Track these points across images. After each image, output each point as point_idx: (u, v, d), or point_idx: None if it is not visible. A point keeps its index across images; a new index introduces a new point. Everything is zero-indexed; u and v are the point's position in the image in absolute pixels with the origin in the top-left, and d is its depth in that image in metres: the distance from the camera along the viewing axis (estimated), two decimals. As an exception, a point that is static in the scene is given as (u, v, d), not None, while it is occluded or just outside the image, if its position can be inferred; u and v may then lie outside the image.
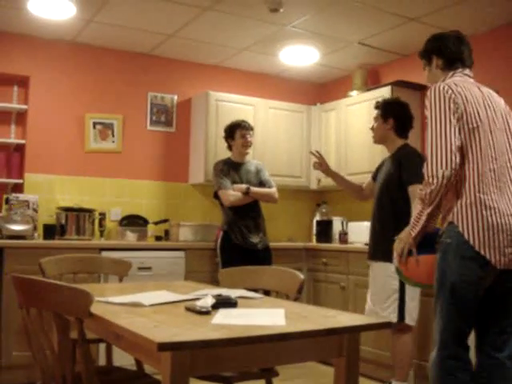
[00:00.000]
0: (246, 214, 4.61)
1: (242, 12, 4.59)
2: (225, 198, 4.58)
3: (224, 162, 4.76)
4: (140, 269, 4.61)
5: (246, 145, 4.70)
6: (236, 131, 4.68)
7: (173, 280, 4.13)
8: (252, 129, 4.77)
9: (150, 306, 2.20)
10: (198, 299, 2.25)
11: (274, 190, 4.75)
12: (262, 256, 4.55)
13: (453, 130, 2.59)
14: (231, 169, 4.68)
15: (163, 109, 5.70)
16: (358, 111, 5.51)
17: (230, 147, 4.78)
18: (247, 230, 4.58)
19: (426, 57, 2.95)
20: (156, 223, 5.31)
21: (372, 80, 5.82)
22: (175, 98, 5.75)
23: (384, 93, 5.17)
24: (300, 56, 5.54)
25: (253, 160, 4.94)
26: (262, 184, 4.73)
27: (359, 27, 4.86)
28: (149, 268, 4.69)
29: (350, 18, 4.67)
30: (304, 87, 6.48)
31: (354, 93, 5.68)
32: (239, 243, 4.55)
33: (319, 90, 6.55)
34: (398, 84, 5.16)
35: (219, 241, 4.64)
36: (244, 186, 4.59)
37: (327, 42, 5.21)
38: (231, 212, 4.61)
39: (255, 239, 4.60)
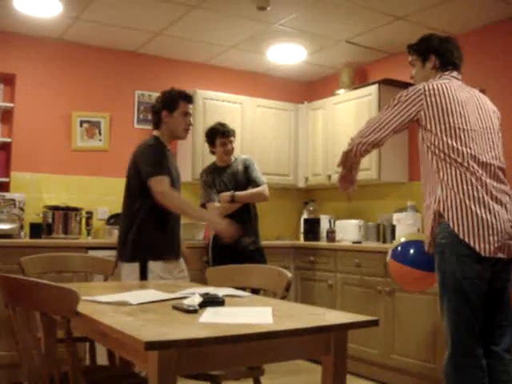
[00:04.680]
0: (238, 217, 4.43)
1: (229, 10, 4.58)
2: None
3: (208, 170, 4.69)
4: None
5: (227, 153, 4.61)
6: (216, 139, 4.59)
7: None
8: (232, 134, 4.62)
9: (137, 304, 2.19)
10: (185, 298, 2.25)
11: (262, 188, 4.59)
12: (252, 256, 4.42)
13: (399, 122, 2.81)
14: (216, 175, 4.61)
15: (150, 107, 5.67)
16: (345, 109, 5.53)
17: (212, 152, 4.71)
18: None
19: (423, 53, 3.00)
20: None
21: (359, 78, 5.83)
22: (162, 96, 5.72)
23: (371, 91, 5.20)
24: (287, 54, 5.55)
25: (240, 156, 4.79)
26: (250, 182, 4.61)
27: (346, 26, 4.87)
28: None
29: (337, 17, 4.68)
30: (291, 85, 6.48)
31: (341, 91, 5.70)
32: (230, 244, 4.46)
33: (307, 89, 6.56)
34: (385, 82, 5.18)
35: (210, 241, 4.58)
36: (228, 194, 4.48)
37: (314, 40, 5.22)
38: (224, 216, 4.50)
39: (247, 241, 4.50)
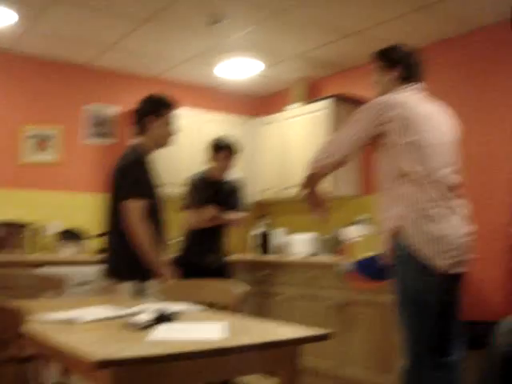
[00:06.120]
0: (207, 232, 4.43)
1: (182, 24, 4.58)
2: (187, 220, 4.43)
3: (202, 179, 4.52)
4: (80, 284, 4.51)
5: (227, 168, 4.52)
6: (222, 150, 4.44)
7: (115, 294, 4.06)
8: (239, 153, 4.60)
9: (87, 322, 2.15)
10: (137, 314, 2.21)
11: (244, 215, 4.56)
12: (216, 274, 4.24)
13: (360, 141, 2.79)
14: (208, 187, 4.49)
15: (102, 120, 5.62)
16: (298, 124, 5.57)
17: (209, 161, 4.53)
18: (206, 249, 4.44)
19: (389, 62, 2.98)
20: (97, 236, 5.21)
21: (312, 93, 5.88)
22: (115, 109, 5.68)
23: (324, 106, 5.25)
24: (241, 69, 5.57)
25: (233, 175, 4.68)
26: (234, 204, 4.53)
27: (300, 40, 4.92)
28: (89, 282, 4.59)
29: (291, 32, 4.72)
30: (244, 100, 6.50)
31: (294, 106, 5.74)
32: (195, 262, 4.40)
33: (259, 103, 6.59)
34: (338, 97, 5.23)
35: (176, 258, 4.47)
36: (213, 211, 4.36)
37: (268, 54, 5.26)
38: (193, 231, 4.46)
39: (210, 258, 4.44)
